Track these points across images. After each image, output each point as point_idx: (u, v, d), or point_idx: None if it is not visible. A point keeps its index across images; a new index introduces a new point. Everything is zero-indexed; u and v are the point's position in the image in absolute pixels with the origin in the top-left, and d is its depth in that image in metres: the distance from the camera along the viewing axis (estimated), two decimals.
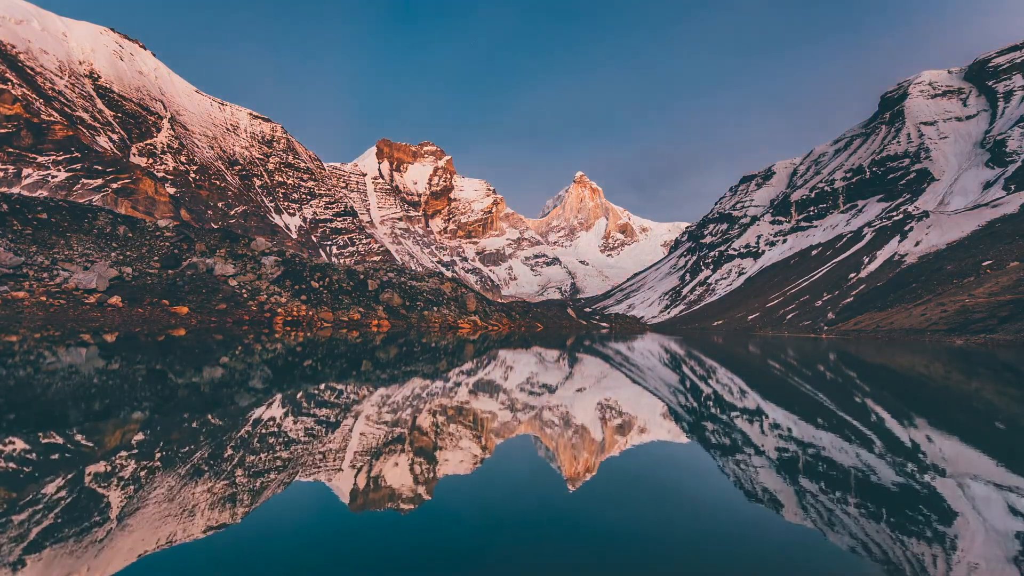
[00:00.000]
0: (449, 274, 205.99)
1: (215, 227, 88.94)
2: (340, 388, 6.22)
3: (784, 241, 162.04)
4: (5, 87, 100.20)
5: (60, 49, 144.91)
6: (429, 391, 6.25)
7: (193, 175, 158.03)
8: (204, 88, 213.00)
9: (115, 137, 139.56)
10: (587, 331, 45.97)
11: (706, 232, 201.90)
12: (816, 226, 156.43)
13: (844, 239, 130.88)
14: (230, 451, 3.31)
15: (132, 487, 2.60)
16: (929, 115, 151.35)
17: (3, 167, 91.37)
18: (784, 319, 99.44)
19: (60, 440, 3.37)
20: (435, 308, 38.25)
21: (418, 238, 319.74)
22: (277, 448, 3.41)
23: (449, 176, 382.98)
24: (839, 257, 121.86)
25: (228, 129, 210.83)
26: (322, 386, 6.29)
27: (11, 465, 2.86)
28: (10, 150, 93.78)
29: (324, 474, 2.94)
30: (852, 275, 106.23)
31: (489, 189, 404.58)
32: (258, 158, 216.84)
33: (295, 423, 4.17)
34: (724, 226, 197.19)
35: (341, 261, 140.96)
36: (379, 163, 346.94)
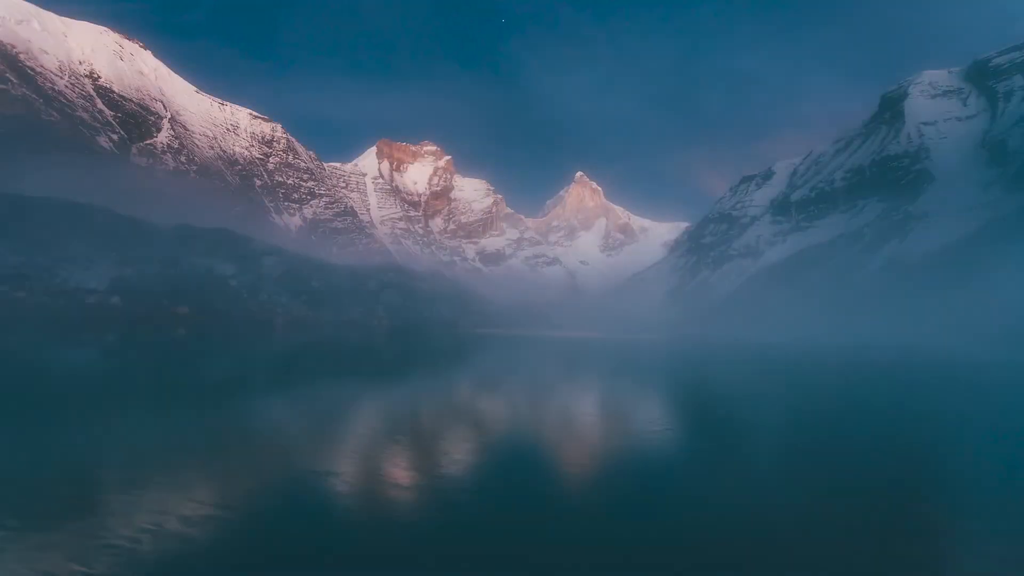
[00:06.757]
0: (449, 274, 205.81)
1: (215, 227, 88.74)
2: (340, 387, 6.23)
3: (784, 241, 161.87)
4: (5, 87, 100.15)
5: (60, 49, 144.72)
6: (429, 391, 6.27)
7: (193, 175, 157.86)
8: (204, 88, 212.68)
9: (115, 137, 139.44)
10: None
11: (706, 232, 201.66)
12: (816, 226, 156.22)
13: (844, 239, 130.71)
14: (229, 450, 3.32)
15: (131, 486, 2.62)
16: (929, 115, 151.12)
17: (3, 167, 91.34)
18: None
19: (60, 439, 3.38)
20: (435, 308, 38.22)
21: (418, 238, 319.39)
22: (277, 447, 3.42)
23: (449, 176, 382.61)
24: (839, 257, 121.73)
25: (228, 129, 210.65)
26: (322, 385, 6.31)
27: (12, 464, 2.88)
28: (10, 150, 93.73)
29: (324, 472, 2.95)
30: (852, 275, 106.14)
31: (489, 189, 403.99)
32: (258, 158, 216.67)
33: (295, 422, 4.19)
34: (724, 226, 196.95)
35: (341, 261, 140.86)
36: (379, 163, 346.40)
